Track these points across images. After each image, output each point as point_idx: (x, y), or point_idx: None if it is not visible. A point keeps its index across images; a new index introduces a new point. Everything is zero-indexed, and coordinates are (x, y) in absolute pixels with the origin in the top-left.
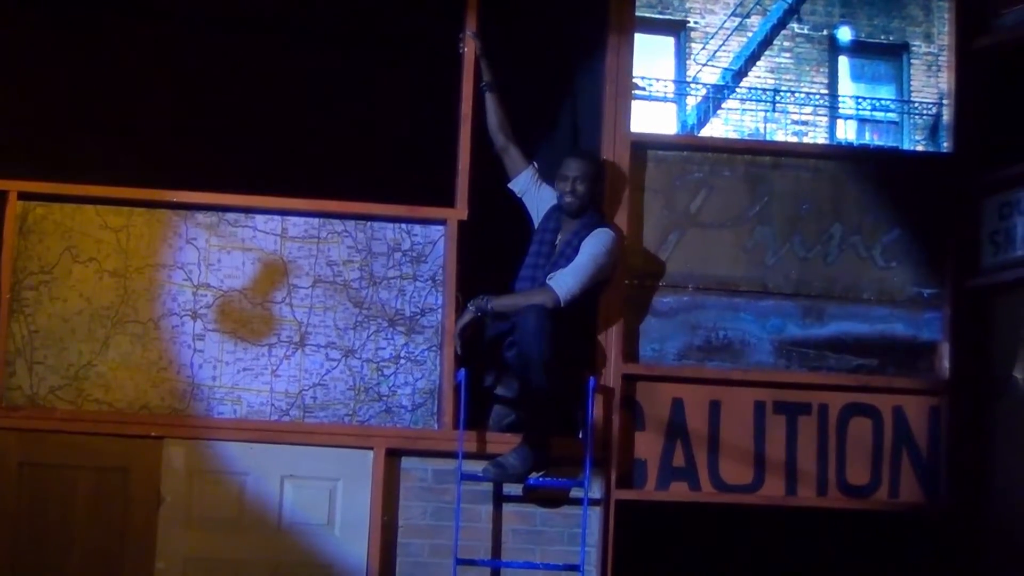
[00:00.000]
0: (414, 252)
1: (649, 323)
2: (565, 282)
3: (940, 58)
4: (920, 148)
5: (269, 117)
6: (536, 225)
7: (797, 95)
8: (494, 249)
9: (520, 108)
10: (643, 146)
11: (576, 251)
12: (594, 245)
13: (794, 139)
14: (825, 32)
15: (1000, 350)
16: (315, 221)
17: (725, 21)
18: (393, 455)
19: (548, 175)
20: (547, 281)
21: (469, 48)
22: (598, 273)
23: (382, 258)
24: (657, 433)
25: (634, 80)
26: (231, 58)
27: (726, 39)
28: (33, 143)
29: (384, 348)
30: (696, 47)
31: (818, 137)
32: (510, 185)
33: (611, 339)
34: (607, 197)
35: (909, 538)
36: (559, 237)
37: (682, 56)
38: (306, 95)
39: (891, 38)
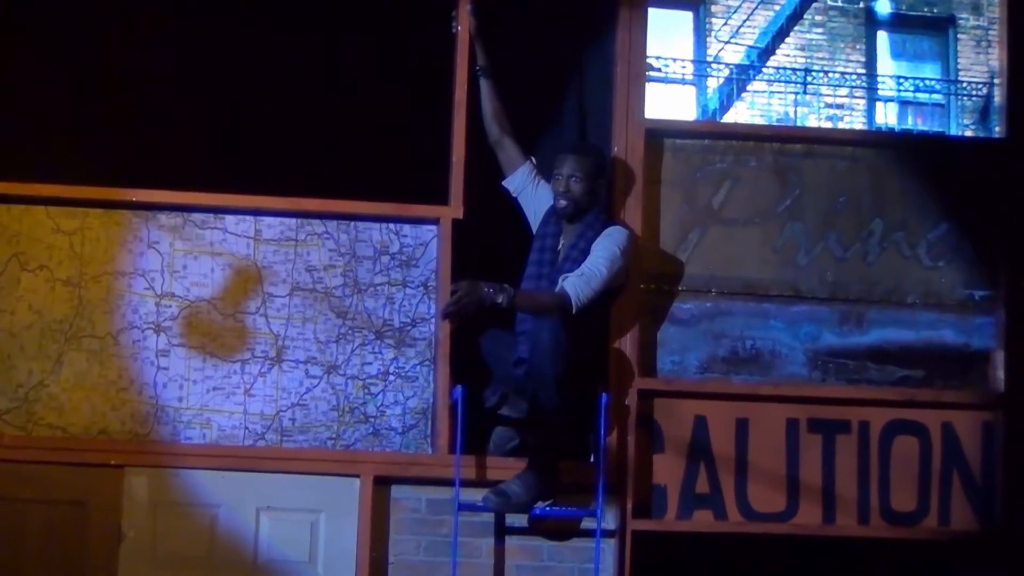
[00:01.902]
0: (403, 255)
1: (667, 332)
2: (577, 286)
3: (991, 32)
4: (969, 133)
5: (240, 107)
6: (534, 229)
7: (831, 75)
8: (494, 252)
9: (520, 95)
10: (659, 134)
11: (584, 255)
12: (607, 245)
13: (828, 124)
14: (861, 4)
15: None
16: (292, 222)
17: None
18: (382, 483)
19: (551, 171)
20: (560, 283)
21: (464, 27)
22: (612, 276)
23: (368, 262)
24: (678, 456)
25: (648, 61)
26: (196, 44)
27: (751, 13)
28: None
29: (371, 363)
30: (717, 23)
31: (855, 122)
32: (504, 183)
33: (625, 351)
34: (619, 192)
35: (961, 570)
36: (561, 242)
37: (702, 33)
38: (281, 82)
39: (936, 10)
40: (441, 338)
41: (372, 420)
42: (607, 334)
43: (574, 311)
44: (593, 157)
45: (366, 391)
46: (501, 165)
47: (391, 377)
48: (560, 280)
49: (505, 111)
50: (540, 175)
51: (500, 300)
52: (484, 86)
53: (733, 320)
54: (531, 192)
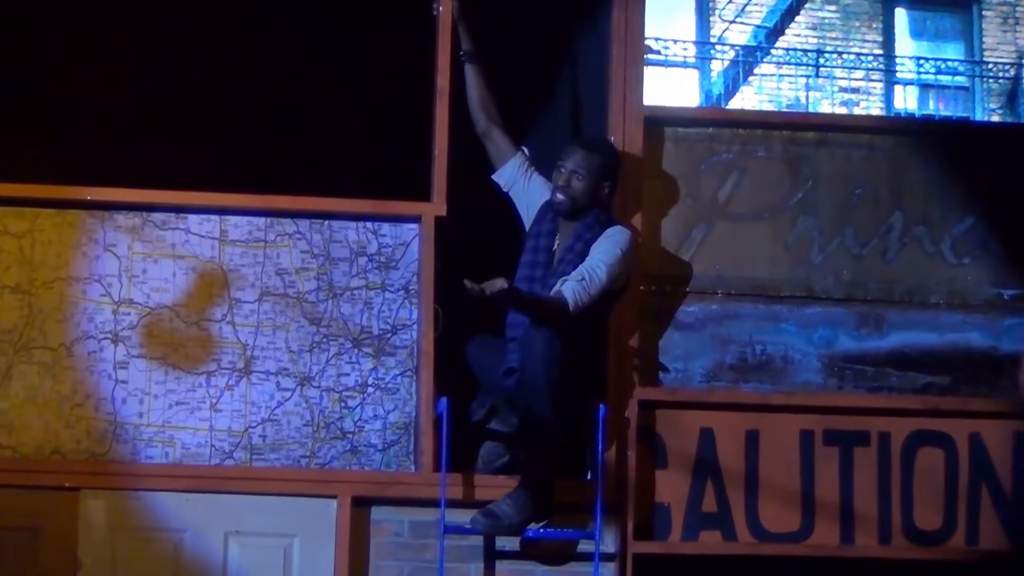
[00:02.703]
0: (382, 256)
1: (670, 338)
2: (575, 288)
3: (1018, 9)
4: (996, 118)
5: (204, 99)
6: (527, 226)
7: (845, 57)
8: (482, 252)
9: (508, 80)
10: (659, 122)
11: (582, 258)
12: (607, 247)
13: (843, 110)
14: None
15: None
16: (261, 221)
17: None
18: (361, 504)
19: (544, 164)
20: (556, 287)
21: (446, 8)
22: (612, 279)
23: (343, 264)
24: (682, 472)
25: (647, 42)
26: (159, 32)
27: None
28: None
29: (348, 374)
30: (722, 0)
31: (872, 107)
32: (494, 177)
33: (625, 358)
34: (615, 186)
35: None
36: (557, 242)
37: (705, 12)
38: (249, 71)
39: None
40: (424, 346)
41: (350, 436)
42: (605, 341)
43: (572, 314)
44: (603, 156)
45: (343, 405)
46: (490, 157)
47: (370, 389)
48: (557, 284)
49: (493, 99)
50: (533, 167)
51: (501, 286)
52: (469, 72)
53: (741, 324)
54: (523, 186)
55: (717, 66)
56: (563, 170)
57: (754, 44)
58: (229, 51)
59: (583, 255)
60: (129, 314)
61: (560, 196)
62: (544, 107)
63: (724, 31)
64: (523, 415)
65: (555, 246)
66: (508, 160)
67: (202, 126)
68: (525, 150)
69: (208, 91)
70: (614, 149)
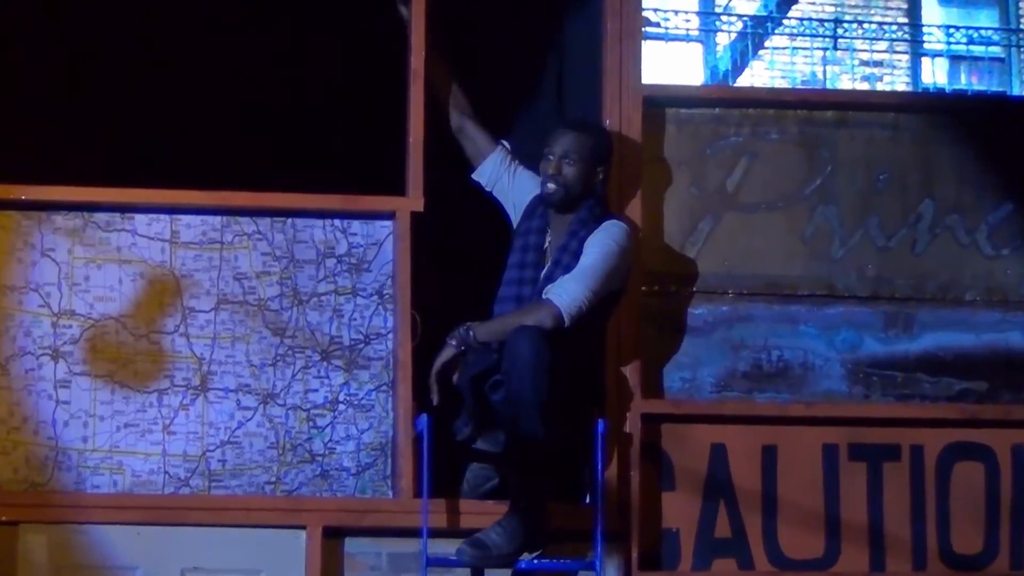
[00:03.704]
0: (353, 258)
1: (676, 343)
2: (568, 292)
3: None
4: None
5: (155, 87)
6: (515, 224)
7: (867, 27)
8: (466, 250)
9: (485, 60)
10: (659, 103)
11: (577, 258)
12: (604, 242)
13: (865, 86)
14: None
15: None
16: (216, 220)
17: None
18: (333, 535)
19: (529, 155)
20: (544, 294)
21: None
22: (611, 279)
23: (309, 267)
24: (692, 493)
25: (645, 14)
26: (109, 15)
27: None
28: None
29: (316, 390)
30: None
31: (897, 83)
32: (475, 176)
33: (625, 367)
34: (612, 175)
35: None
36: (548, 239)
37: None
38: (206, 56)
39: None
40: (401, 357)
41: (319, 459)
42: (602, 347)
43: (567, 321)
44: (594, 138)
45: (311, 424)
46: (468, 156)
47: (341, 406)
48: (544, 292)
49: (464, 91)
50: (516, 159)
51: (454, 344)
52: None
53: (755, 327)
54: (508, 182)
55: (723, 39)
56: (552, 157)
57: (764, 14)
58: (176, 31)
59: (577, 255)
60: (71, 327)
61: (551, 186)
62: (528, 89)
63: (730, 0)
64: (512, 432)
65: (546, 244)
66: (487, 156)
67: (151, 116)
68: (505, 143)
69: (156, 78)
70: (605, 130)
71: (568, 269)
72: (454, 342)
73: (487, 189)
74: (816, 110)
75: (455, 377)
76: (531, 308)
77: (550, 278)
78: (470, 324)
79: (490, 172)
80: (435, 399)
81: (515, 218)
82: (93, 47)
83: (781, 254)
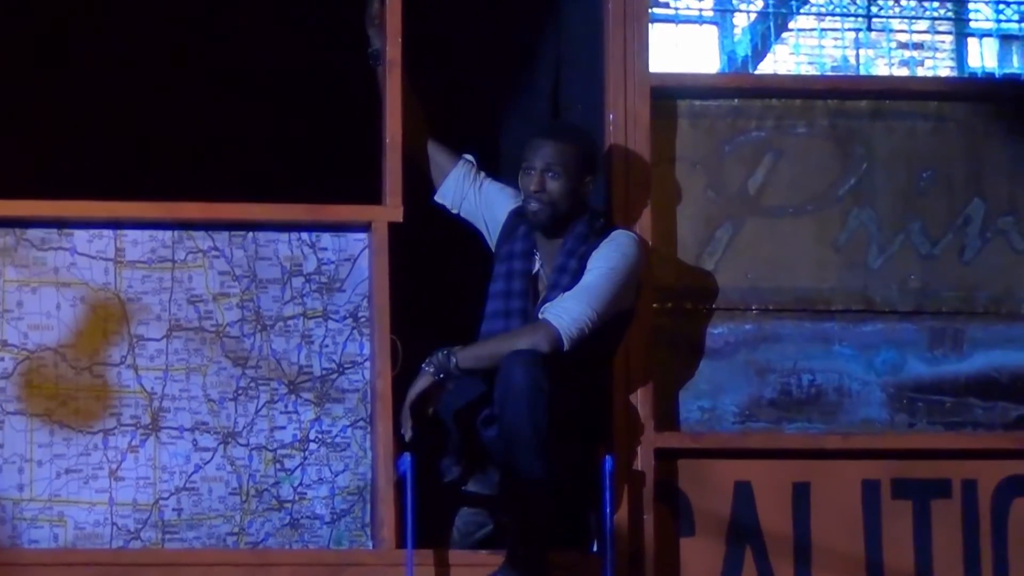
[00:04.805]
0: (323, 276)
1: (693, 368)
2: (568, 311)
3: None
4: None
5: (101, 88)
6: (493, 247)
7: (905, 4)
8: (450, 267)
9: (471, 55)
10: (670, 93)
11: (580, 277)
12: (610, 256)
13: (904, 72)
14: None
15: None
16: (166, 235)
17: None
18: None
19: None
20: (540, 315)
21: None
22: (618, 298)
23: (274, 288)
24: (714, 538)
25: None
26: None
27: None
28: None
29: (284, 428)
30: None
31: (940, 67)
32: (436, 198)
33: (635, 396)
34: (617, 177)
35: None
36: (538, 264)
37: None
38: (158, 52)
39: None
40: (380, 389)
41: (288, 506)
42: (609, 373)
43: (566, 346)
44: (578, 144)
45: (278, 466)
46: (430, 177)
47: (312, 445)
48: (540, 313)
49: (419, 103)
50: (483, 173)
51: (431, 371)
52: (381, 75)
53: (783, 347)
54: (475, 200)
55: (742, 20)
56: (532, 171)
57: None
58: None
59: (580, 274)
60: (2, 359)
61: (535, 205)
62: (519, 83)
63: None
64: (506, 472)
65: (536, 269)
66: (449, 173)
67: (94, 120)
68: (469, 157)
69: (102, 79)
70: (589, 135)
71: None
72: (431, 369)
73: (453, 211)
74: (849, 100)
75: (431, 410)
76: (525, 330)
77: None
78: (450, 348)
79: (453, 192)
80: (407, 434)
81: (491, 240)
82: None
83: (811, 264)
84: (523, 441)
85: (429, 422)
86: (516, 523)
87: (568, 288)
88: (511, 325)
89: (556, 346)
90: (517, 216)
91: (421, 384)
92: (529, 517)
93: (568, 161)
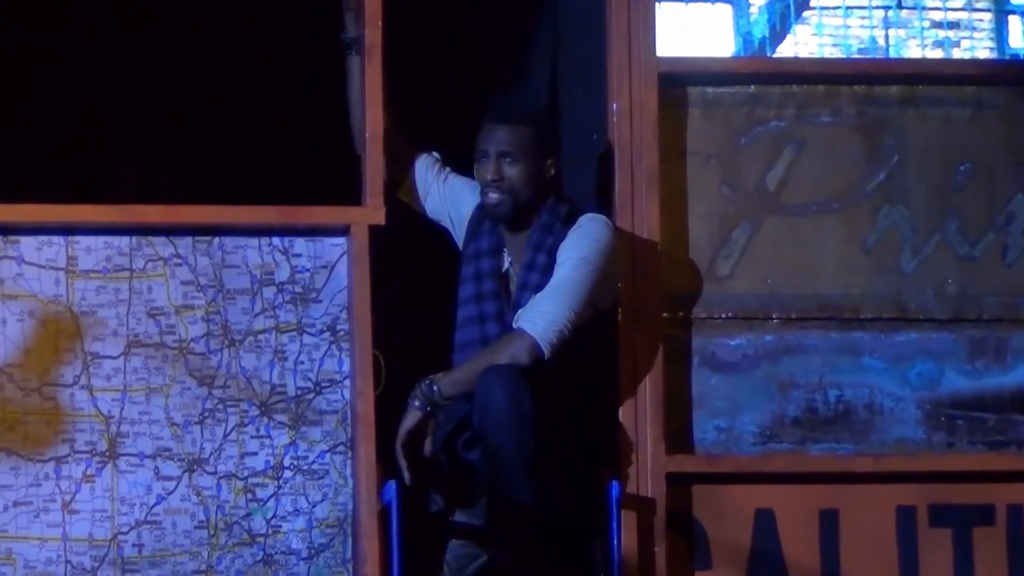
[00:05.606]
0: (298, 286)
1: (707, 383)
2: (543, 315)
3: None
4: None
5: (52, 83)
6: (461, 247)
7: None
8: (434, 272)
9: (460, 38)
10: (681, 80)
11: (550, 272)
12: (580, 245)
13: (938, 54)
14: None
15: None
16: (124, 242)
17: None
18: None
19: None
20: (515, 323)
21: None
22: (596, 290)
23: (243, 299)
24: (733, 571)
25: None
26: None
27: None
28: None
29: (255, 453)
30: None
31: (978, 49)
32: (400, 196)
33: (643, 414)
34: (622, 172)
35: None
36: (507, 261)
37: None
38: (112, 44)
39: None
40: (361, 410)
41: (261, 540)
42: (613, 388)
43: (546, 353)
44: (535, 125)
45: (250, 496)
46: (391, 174)
47: (287, 473)
48: (514, 322)
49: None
50: (448, 167)
51: (417, 405)
52: (353, 64)
53: (807, 360)
54: (438, 195)
55: (758, 0)
56: (487, 158)
57: None
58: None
59: (550, 268)
60: None
61: (494, 196)
62: (514, 69)
63: None
64: (494, 499)
65: (505, 267)
66: (411, 167)
67: (42, 118)
68: (433, 152)
69: (53, 73)
70: (545, 112)
71: (540, 290)
72: (417, 403)
73: (417, 209)
74: (878, 85)
75: (426, 445)
76: (500, 343)
77: (519, 306)
78: (432, 377)
79: (416, 187)
80: (407, 476)
81: (459, 239)
82: None
83: (838, 268)
84: (508, 465)
85: (423, 458)
86: (508, 554)
87: (540, 287)
88: (488, 330)
89: (536, 355)
90: (482, 210)
91: (410, 421)
92: (522, 547)
93: (525, 143)
